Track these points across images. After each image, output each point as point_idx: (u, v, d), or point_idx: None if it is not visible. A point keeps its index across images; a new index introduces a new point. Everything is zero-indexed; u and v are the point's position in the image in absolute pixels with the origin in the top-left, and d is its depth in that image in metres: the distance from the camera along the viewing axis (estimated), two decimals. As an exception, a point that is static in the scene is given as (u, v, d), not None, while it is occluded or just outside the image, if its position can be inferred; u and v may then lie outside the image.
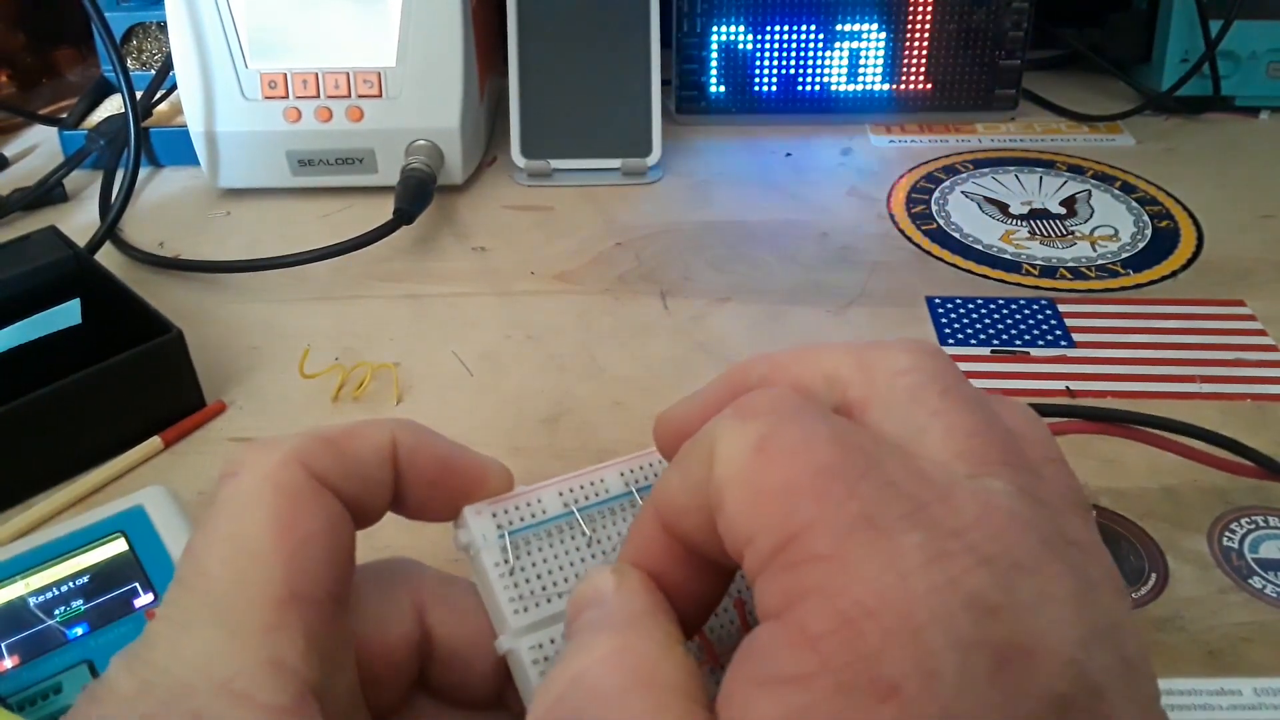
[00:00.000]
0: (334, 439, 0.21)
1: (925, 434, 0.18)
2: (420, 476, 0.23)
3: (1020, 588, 0.15)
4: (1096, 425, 0.41)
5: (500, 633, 0.22)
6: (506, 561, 0.22)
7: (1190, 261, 0.52)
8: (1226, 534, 0.36)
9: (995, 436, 0.18)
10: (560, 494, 0.24)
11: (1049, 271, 0.51)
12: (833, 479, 0.16)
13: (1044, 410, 0.41)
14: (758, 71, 0.64)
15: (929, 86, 0.64)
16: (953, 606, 0.15)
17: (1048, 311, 0.48)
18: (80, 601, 0.31)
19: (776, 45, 0.63)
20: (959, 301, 0.49)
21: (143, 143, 0.59)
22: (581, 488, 0.24)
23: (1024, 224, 0.55)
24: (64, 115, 0.64)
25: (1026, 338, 0.46)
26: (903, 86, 0.64)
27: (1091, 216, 0.56)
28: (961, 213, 0.56)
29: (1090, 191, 0.58)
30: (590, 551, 0.23)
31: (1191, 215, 0.56)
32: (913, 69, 0.64)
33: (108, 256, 0.52)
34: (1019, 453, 0.18)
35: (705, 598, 0.21)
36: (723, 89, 0.64)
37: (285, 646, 0.19)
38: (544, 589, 0.23)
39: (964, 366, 0.44)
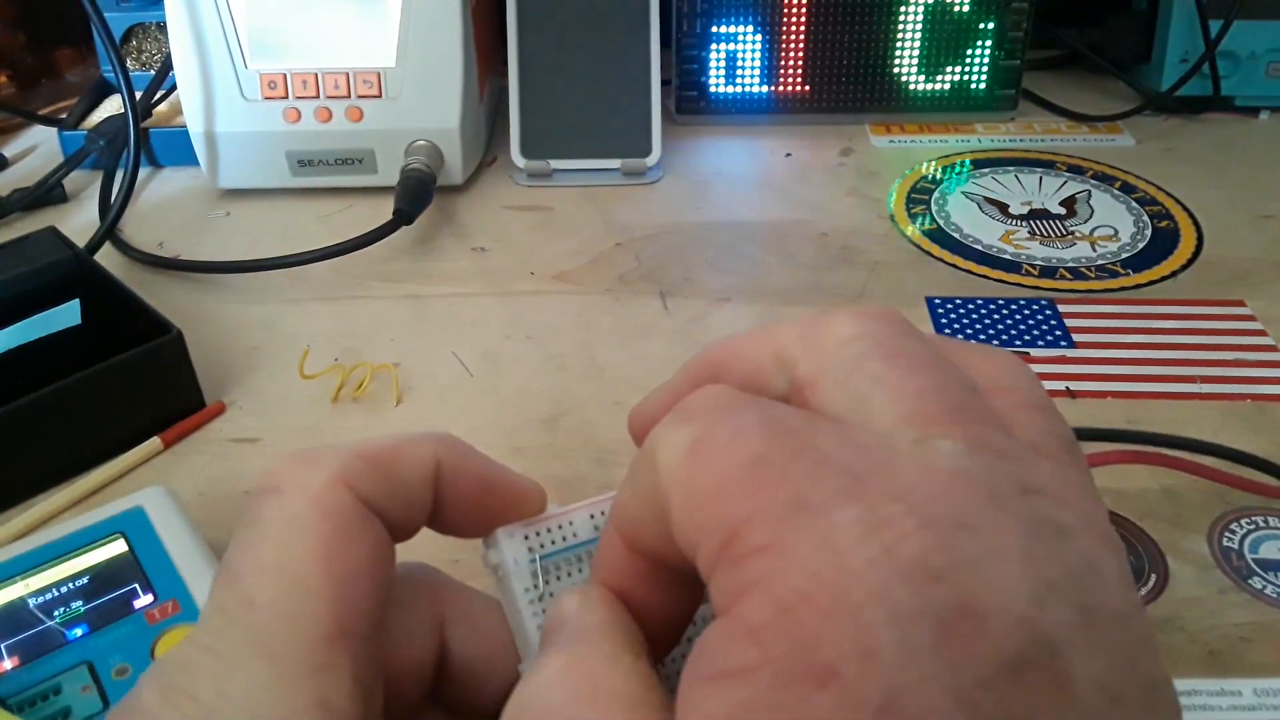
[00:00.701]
0: (380, 459, 0.21)
1: (869, 402, 0.17)
2: (461, 497, 0.22)
3: (962, 547, 0.15)
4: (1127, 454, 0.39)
5: (524, 658, 0.22)
6: (536, 587, 0.22)
7: (1190, 262, 0.52)
8: (1226, 534, 0.36)
9: (946, 394, 0.17)
10: (591, 516, 0.23)
11: (1049, 272, 0.51)
12: (764, 468, 0.16)
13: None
14: (758, 71, 0.64)
15: (929, 86, 0.64)
16: (890, 578, 0.14)
17: (1047, 312, 0.48)
18: (80, 602, 0.31)
19: (776, 45, 0.63)
20: (959, 302, 0.49)
21: (142, 143, 0.59)
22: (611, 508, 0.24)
23: (1024, 224, 0.55)
24: (64, 115, 0.64)
25: (1026, 338, 0.46)
26: (903, 86, 0.64)
27: (1091, 217, 0.56)
28: (961, 213, 0.56)
29: (1090, 192, 0.58)
30: None
31: (1191, 215, 0.56)
32: (912, 69, 0.64)
33: (107, 257, 0.52)
34: (975, 407, 0.17)
35: (676, 612, 0.20)
36: (723, 89, 0.64)
37: (333, 687, 0.18)
38: None
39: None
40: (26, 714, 0.29)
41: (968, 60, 0.64)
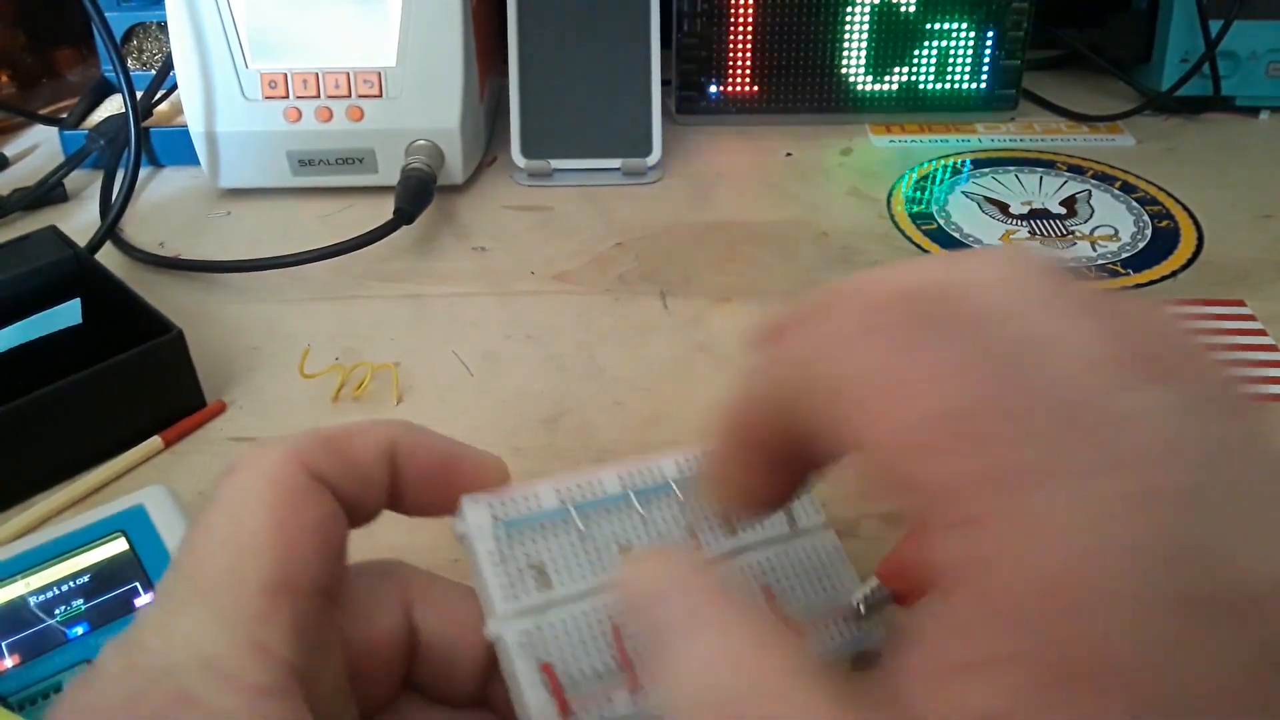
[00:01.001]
0: (333, 439, 0.22)
1: (1065, 340, 0.15)
2: (418, 474, 0.23)
3: (1218, 521, 0.13)
4: None
5: (488, 618, 0.22)
6: (499, 550, 0.23)
7: (1190, 261, 0.52)
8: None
9: (1139, 337, 0.15)
10: (558, 491, 0.24)
11: (1049, 271, 0.51)
12: (982, 421, 0.14)
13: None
14: (757, 71, 0.64)
15: (930, 86, 0.64)
16: (1150, 563, 0.13)
17: (1048, 311, 0.48)
18: (81, 601, 0.31)
19: (777, 45, 0.63)
20: (959, 301, 0.49)
21: (143, 143, 0.59)
22: (579, 486, 0.25)
23: (1024, 224, 0.55)
24: (64, 115, 0.64)
25: (1026, 338, 0.46)
26: (903, 86, 0.64)
27: (1091, 216, 0.56)
28: (962, 213, 0.56)
29: (1090, 191, 0.58)
30: (583, 548, 0.24)
31: (1191, 215, 0.56)
32: (912, 69, 0.64)
33: (108, 256, 0.52)
34: (1171, 349, 0.16)
35: (777, 493, 0.21)
36: (723, 89, 0.64)
37: (272, 632, 0.19)
38: (534, 579, 0.23)
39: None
40: (27, 712, 0.29)
41: (968, 60, 0.64)
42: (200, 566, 0.20)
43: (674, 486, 0.25)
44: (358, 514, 0.23)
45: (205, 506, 0.21)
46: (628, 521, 0.24)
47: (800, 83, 0.64)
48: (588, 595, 0.23)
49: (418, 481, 0.23)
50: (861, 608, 0.24)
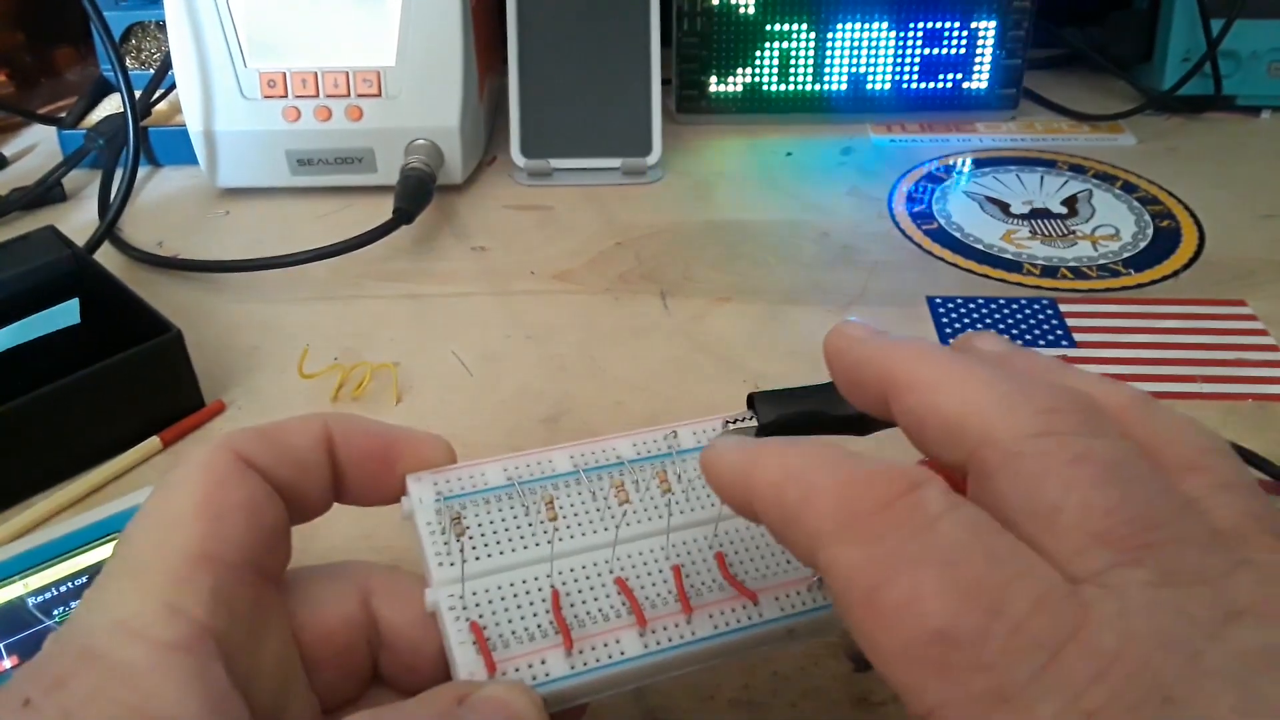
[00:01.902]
0: (266, 429, 0.23)
1: (1057, 515, 0.16)
2: (357, 459, 0.24)
3: None
4: None
5: (426, 589, 0.23)
6: (439, 521, 0.24)
7: (1191, 261, 0.52)
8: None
9: (1138, 509, 0.16)
10: (504, 469, 0.25)
11: (1050, 271, 0.51)
12: (953, 647, 0.15)
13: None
14: (758, 71, 0.64)
15: (930, 86, 0.64)
16: None
17: (1049, 311, 0.48)
18: (79, 602, 0.31)
19: (777, 45, 0.63)
20: (960, 301, 0.49)
21: (141, 142, 0.58)
22: (528, 465, 0.25)
23: (1025, 223, 0.55)
24: (63, 114, 0.64)
25: (1028, 338, 0.46)
26: (904, 86, 0.64)
27: (1093, 216, 0.56)
28: (962, 212, 0.56)
29: (1091, 191, 0.58)
30: (525, 520, 0.24)
31: (1193, 215, 0.56)
32: (913, 68, 0.64)
33: (107, 256, 0.52)
34: (1167, 520, 0.16)
35: None
36: (723, 88, 0.64)
37: (188, 596, 0.20)
38: (473, 549, 0.23)
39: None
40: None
41: (969, 59, 0.64)
42: (129, 543, 0.21)
43: (627, 466, 0.25)
44: (300, 502, 0.23)
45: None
46: (575, 498, 0.25)
47: (801, 81, 0.64)
48: (528, 564, 0.23)
49: (358, 466, 0.24)
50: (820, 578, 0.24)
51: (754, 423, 0.26)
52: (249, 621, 0.21)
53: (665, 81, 0.61)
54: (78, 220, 0.56)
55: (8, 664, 0.30)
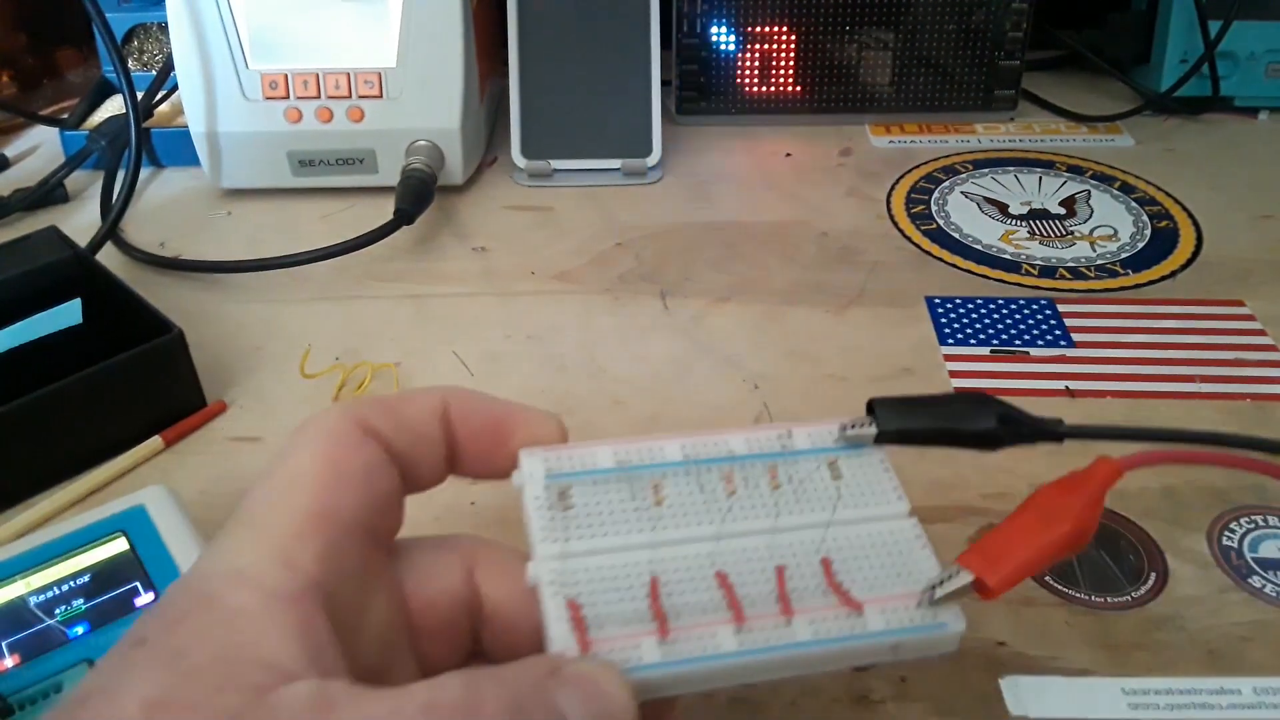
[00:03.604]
0: (386, 399, 0.24)
1: None
2: (473, 433, 0.25)
3: None
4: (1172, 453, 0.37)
5: (529, 563, 0.23)
6: (547, 497, 0.24)
7: (1189, 262, 0.52)
8: (1226, 533, 0.36)
9: None
10: (615, 452, 0.25)
11: (1048, 271, 0.51)
12: None
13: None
14: (758, 71, 0.64)
15: (929, 87, 0.65)
16: None
17: (1047, 311, 0.48)
18: (81, 601, 0.31)
19: (777, 45, 0.63)
20: (958, 301, 0.49)
21: (144, 143, 0.59)
22: (638, 451, 0.25)
23: (1023, 224, 0.55)
24: (65, 116, 0.64)
25: (1026, 338, 0.46)
26: (903, 86, 0.65)
27: (1091, 217, 0.56)
28: (961, 213, 0.56)
29: (1090, 192, 0.58)
30: (633, 505, 0.24)
31: (1191, 215, 0.56)
32: (911, 69, 0.64)
33: (109, 257, 0.53)
34: None
35: None
36: (723, 89, 0.64)
37: (301, 550, 0.21)
38: (578, 527, 0.23)
39: (963, 366, 0.45)
40: (27, 712, 0.29)
41: (967, 60, 0.64)
42: (252, 498, 0.22)
43: (738, 462, 0.25)
44: (415, 472, 0.24)
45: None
46: (683, 487, 0.24)
47: (800, 83, 0.64)
48: (630, 549, 0.23)
49: (473, 440, 0.24)
50: (935, 592, 0.23)
51: (872, 429, 0.25)
52: (358, 581, 0.22)
53: (665, 83, 0.61)
54: (80, 221, 0.56)
55: (9, 663, 0.30)
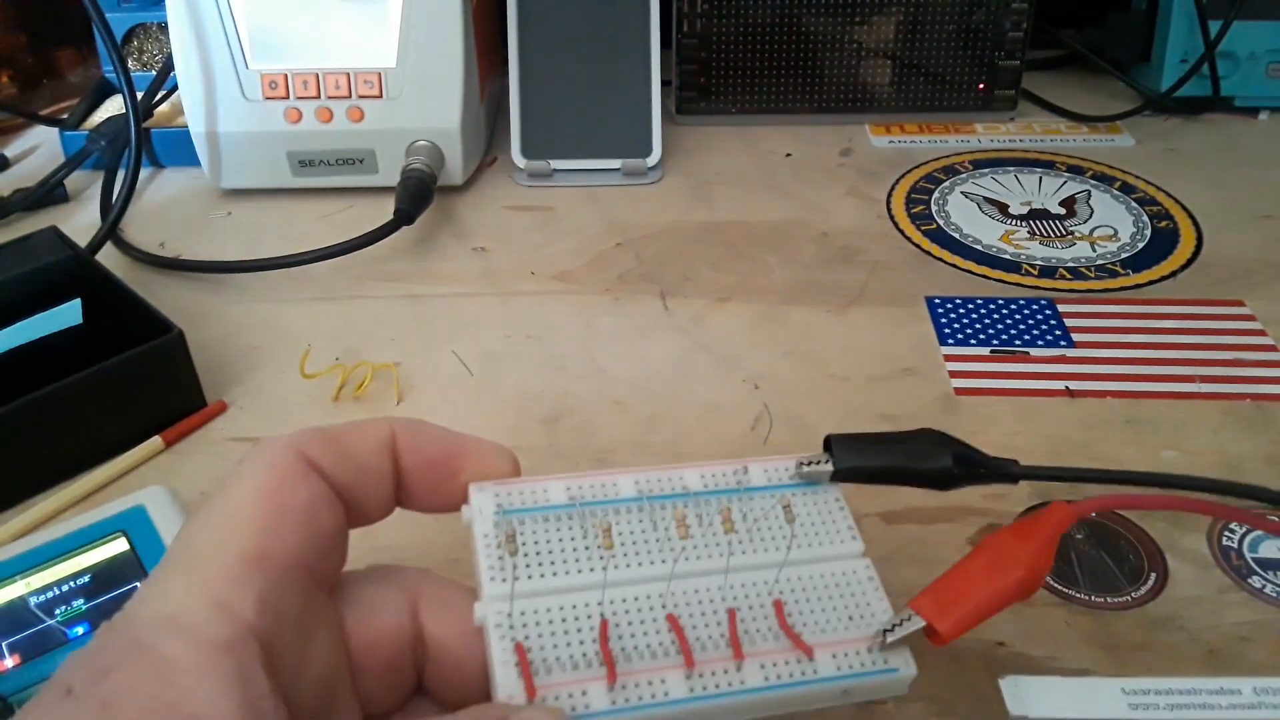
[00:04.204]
0: (331, 430, 0.23)
1: None
2: (421, 466, 0.24)
3: None
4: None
5: (476, 602, 0.23)
6: (496, 534, 0.23)
7: (1190, 262, 0.52)
8: (1226, 534, 0.36)
9: None
10: (568, 488, 0.24)
11: (1048, 271, 0.51)
12: None
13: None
14: (758, 71, 0.64)
15: (929, 87, 0.65)
16: None
17: (1047, 311, 0.48)
18: (81, 601, 0.31)
19: (776, 45, 0.63)
20: (958, 301, 0.49)
21: (144, 143, 0.59)
22: (591, 487, 0.24)
23: (1023, 224, 0.55)
24: (65, 116, 0.64)
25: (1026, 338, 0.46)
26: (903, 87, 0.65)
27: (1091, 217, 0.56)
28: (961, 213, 0.56)
29: (1090, 192, 0.58)
30: (584, 544, 0.24)
31: (1191, 215, 0.56)
32: (913, 70, 0.64)
33: (109, 257, 0.53)
34: None
35: None
36: (723, 89, 0.64)
37: (238, 594, 0.20)
38: (527, 566, 0.23)
39: (963, 366, 0.45)
40: (28, 712, 0.29)
41: (967, 60, 0.64)
42: (188, 537, 0.21)
43: (692, 499, 0.25)
44: (361, 506, 0.23)
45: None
46: (636, 525, 0.24)
47: (800, 83, 0.64)
48: (580, 589, 0.23)
49: (422, 473, 0.24)
50: (887, 637, 0.23)
51: (828, 466, 0.25)
52: (298, 624, 0.21)
53: (665, 82, 0.61)
54: (80, 221, 0.56)
55: (9, 663, 0.30)
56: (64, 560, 0.32)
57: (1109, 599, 0.34)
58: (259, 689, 0.19)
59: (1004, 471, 0.27)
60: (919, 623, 0.23)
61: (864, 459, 0.26)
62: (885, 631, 0.23)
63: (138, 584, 0.32)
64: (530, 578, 0.23)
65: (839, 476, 0.26)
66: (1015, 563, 0.25)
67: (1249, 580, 0.35)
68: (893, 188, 0.59)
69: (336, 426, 0.23)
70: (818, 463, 0.26)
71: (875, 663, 0.23)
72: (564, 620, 0.22)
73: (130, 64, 0.64)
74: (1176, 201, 0.57)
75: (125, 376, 0.40)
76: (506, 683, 0.21)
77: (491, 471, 0.24)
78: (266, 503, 0.21)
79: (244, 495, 0.21)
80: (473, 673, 0.23)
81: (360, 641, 0.23)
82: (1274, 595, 0.34)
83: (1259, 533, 0.36)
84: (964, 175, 0.60)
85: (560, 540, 0.24)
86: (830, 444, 0.26)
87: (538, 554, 0.23)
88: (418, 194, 0.53)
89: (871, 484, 0.26)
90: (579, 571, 0.23)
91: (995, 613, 0.24)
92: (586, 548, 0.24)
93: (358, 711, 0.23)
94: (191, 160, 0.57)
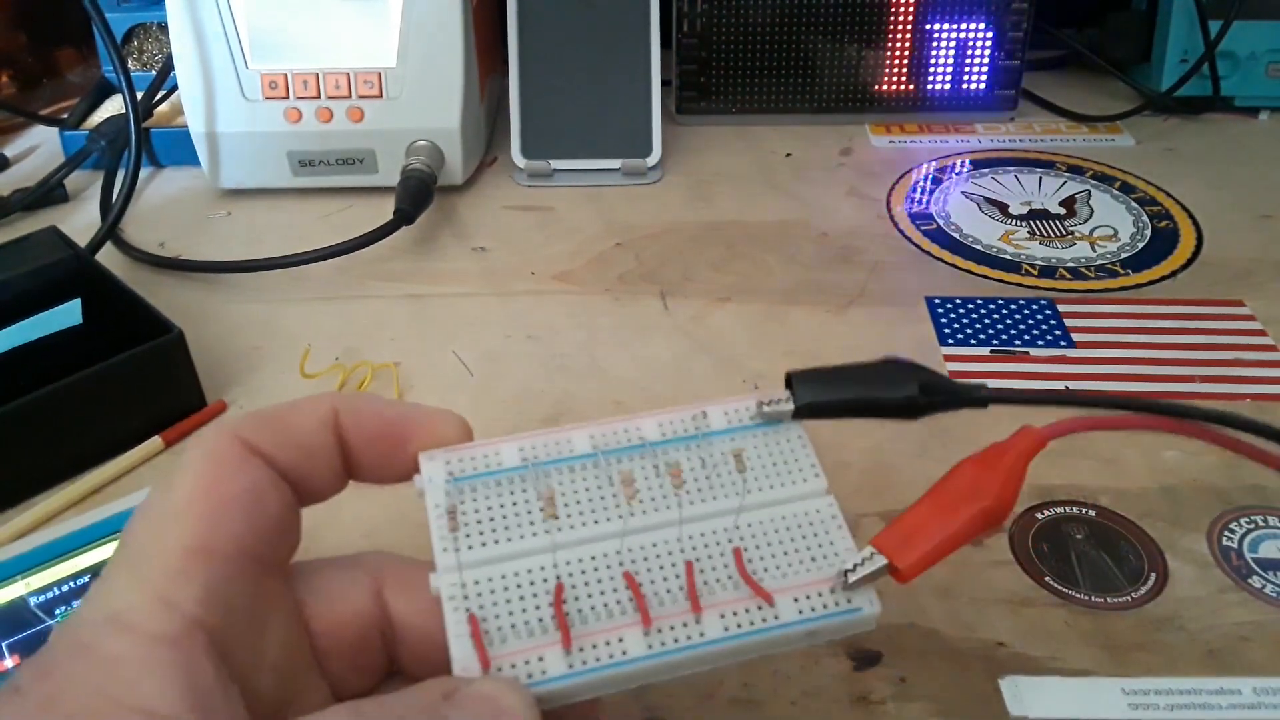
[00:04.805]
0: (269, 413, 0.23)
1: None
2: (367, 439, 0.23)
3: None
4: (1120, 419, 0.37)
5: (431, 574, 0.22)
6: (449, 503, 0.23)
7: (1190, 262, 0.52)
8: (1226, 533, 0.36)
9: None
10: (520, 449, 0.24)
11: (1048, 271, 0.51)
12: None
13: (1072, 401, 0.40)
14: (758, 72, 0.64)
15: (929, 87, 0.64)
16: None
17: (1047, 312, 0.48)
18: (80, 601, 0.31)
19: (777, 45, 0.63)
20: (958, 301, 0.49)
21: (143, 143, 0.59)
22: (545, 446, 0.24)
23: (1023, 224, 0.55)
24: (65, 116, 0.64)
25: (1026, 338, 0.46)
26: (903, 87, 0.65)
27: (1091, 217, 0.56)
28: (961, 213, 0.56)
29: (1090, 192, 0.58)
30: (539, 506, 0.23)
31: (1191, 215, 0.56)
32: (913, 69, 0.64)
33: (108, 257, 0.53)
34: None
35: None
36: (723, 88, 0.64)
37: (181, 589, 0.20)
38: (481, 534, 0.23)
39: (963, 367, 0.45)
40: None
41: (967, 60, 0.64)
42: (131, 536, 0.21)
43: (649, 449, 0.24)
44: (309, 485, 0.23)
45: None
46: (591, 482, 0.24)
47: (800, 83, 0.64)
48: (534, 553, 0.23)
49: (369, 446, 0.23)
50: (848, 577, 0.23)
51: (790, 404, 0.25)
52: (249, 613, 0.21)
53: (665, 82, 0.61)
54: (80, 221, 0.56)
55: (9, 663, 0.30)
56: (64, 560, 0.32)
57: (1109, 599, 0.34)
58: (206, 680, 0.19)
59: (972, 396, 0.26)
60: (881, 561, 0.23)
61: (826, 393, 0.25)
62: (846, 572, 0.23)
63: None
64: (484, 544, 0.22)
65: (801, 414, 0.25)
66: (979, 493, 0.24)
67: (1249, 580, 0.35)
68: (892, 188, 0.59)
69: (276, 407, 0.23)
70: (779, 401, 0.25)
71: (838, 603, 0.23)
72: (519, 586, 0.22)
73: (130, 64, 0.64)
74: (1176, 201, 0.57)
75: (125, 377, 0.40)
76: (460, 655, 0.21)
77: (442, 438, 0.24)
78: (207, 494, 0.21)
79: (184, 488, 0.21)
80: (442, 649, 0.23)
81: (324, 625, 0.23)
82: (1274, 595, 0.34)
83: (1259, 533, 0.36)
84: (964, 175, 0.60)
85: (515, 504, 0.23)
86: (791, 380, 0.25)
87: (491, 520, 0.23)
88: (418, 194, 0.53)
89: (837, 418, 0.25)
90: (533, 535, 0.23)
91: (961, 545, 0.23)
92: (541, 509, 0.23)
93: (326, 694, 0.23)
94: (191, 160, 0.57)
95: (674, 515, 0.23)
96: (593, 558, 0.23)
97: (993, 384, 0.43)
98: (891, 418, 0.25)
